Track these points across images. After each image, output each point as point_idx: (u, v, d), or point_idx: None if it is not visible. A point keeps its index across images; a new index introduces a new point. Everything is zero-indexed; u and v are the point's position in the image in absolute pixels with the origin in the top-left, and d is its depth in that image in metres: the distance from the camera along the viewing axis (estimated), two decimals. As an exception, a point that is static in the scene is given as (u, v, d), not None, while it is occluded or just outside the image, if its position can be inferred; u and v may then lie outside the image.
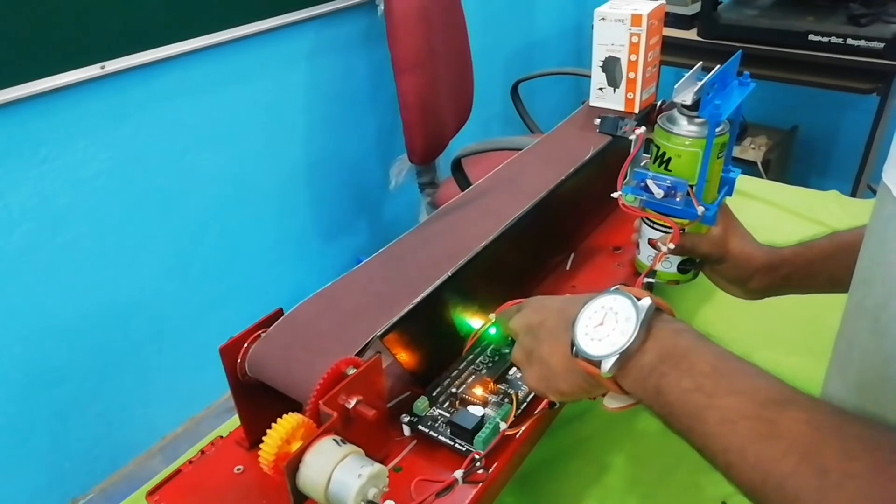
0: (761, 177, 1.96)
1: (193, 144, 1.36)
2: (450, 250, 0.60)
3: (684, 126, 0.63)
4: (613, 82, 0.86)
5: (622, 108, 0.87)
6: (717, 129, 0.61)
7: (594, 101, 0.89)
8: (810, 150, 2.32)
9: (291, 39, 1.49)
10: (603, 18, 0.83)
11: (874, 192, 1.18)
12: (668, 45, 1.94)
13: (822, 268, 0.64)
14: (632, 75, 0.85)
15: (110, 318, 1.30)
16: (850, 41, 1.64)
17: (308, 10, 1.48)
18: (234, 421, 0.58)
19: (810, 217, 1.03)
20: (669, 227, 0.65)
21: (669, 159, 0.64)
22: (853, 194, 1.83)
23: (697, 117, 0.63)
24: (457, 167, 1.46)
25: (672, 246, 0.63)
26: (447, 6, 1.60)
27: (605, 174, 0.69)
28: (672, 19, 1.93)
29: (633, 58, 0.83)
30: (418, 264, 0.60)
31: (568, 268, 0.75)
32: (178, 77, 1.29)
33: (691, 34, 1.89)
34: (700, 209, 0.62)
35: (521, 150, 0.85)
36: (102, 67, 1.16)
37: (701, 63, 0.67)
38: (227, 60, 1.37)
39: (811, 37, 1.69)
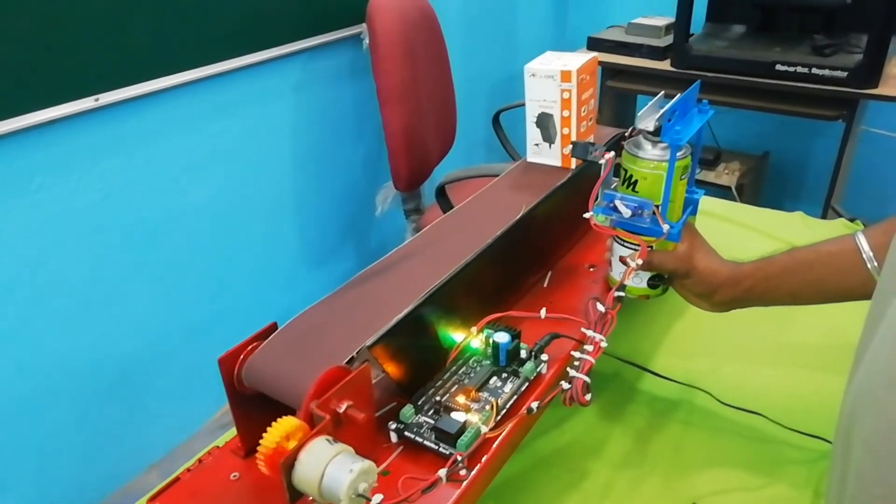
0: (736, 200, 2.02)
1: (184, 174, 1.40)
2: (434, 267, 0.64)
3: (649, 150, 0.68)
4: (548, 138, 0.85)
5: (558, 164, 0.86)
6: (678, 154, 0.66)
7: (531, 157, 0.89)
8: (782, 175, 2.40)
9: (280, 72, 1.55)
10: (533, 74, 0.83)
11: (838, 214, 1.25)
12: (644, 76, 2.04)
13: (782, 282, 0.69)
14: (566, 131, 0.84)
15: (99, 346, 1.32)
16: (815, 70, 1.72)
17: (295, 44, 1.54)
18: (226, 436, 0.61)
19: (776, 236, 1.09)
20: (638, 245, 0.70)
21: (636, 181, 0.69)
22: (823, 216, 1.90)
23: (660, 142, 0.68)
24: (441, 194, 1.51)
25: (640, 262, 0.68)
26: (430, 39, 1.67)
27: (578, 197, 0.74)
28: (647, 51, 2.02)
29: (566, 114, 0.82)
30: (403, 281, 0.64)
31: (545, 285, 0.79)
32: (169, 109, 1.33)
33: (665, 65, 1.97)
34: (665, 227, 0.67)
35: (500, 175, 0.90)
36: (97, 100, 1.20)
37: (663, 92, 0.72)
38: (217, 92, 1.41)
39: (778, 67, 1.77)
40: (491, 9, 2.24)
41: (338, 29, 1.63)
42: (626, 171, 0.70)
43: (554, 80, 0.81)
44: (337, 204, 1.84)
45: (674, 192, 0.68)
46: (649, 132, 0.67)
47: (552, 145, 0.85)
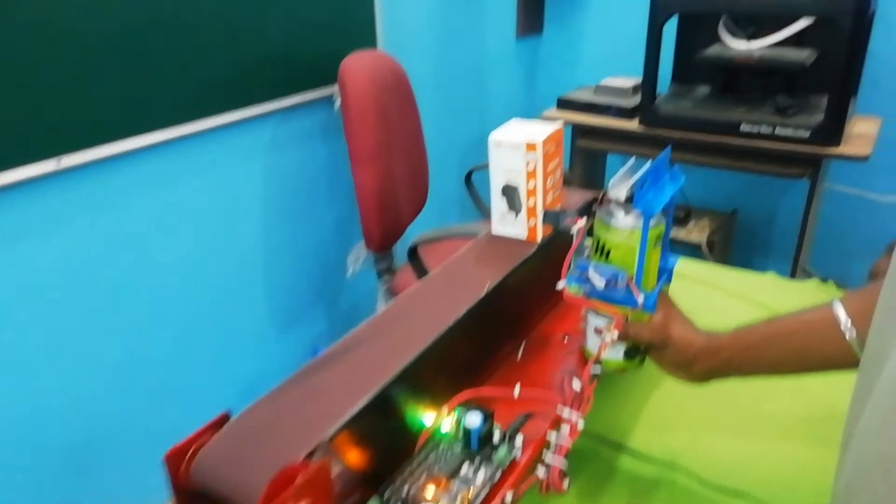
0: (706, 258, 2.03)
1: (147, 238, 1.36)
2: (400, 345, 0.61)
3: (621, 219, 0.67)
4: (514, 208, 0.83)
5: (524, 237, 0.84)
6: (651, 222, 0.65)
7: (496, 229, 0.86)
8: (751, 232, 2.43)
9: (251, 133, 1.53)
10: (498, 144, 0.80)
11: (808, 275, 1.25)
12: (613, 136, 2.07)
13: (761, 352, 0.67)
14: (531, 202, 0.81)
15: (52, 419, 1.25)
16: (778, 130, 1.76)
17: (268, 105, 1.53)
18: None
19: (750, 299, 1.08)
20: (613, 316, 0.68)
21: (609, 251, 0.68)
22: (792, 274, 1.92)
23: (633, 210, 0.66)
24: (413, 255, 1.49)
25: (616, 334, 0.65)
26: (402, 100, 1.67)
27: (549, 264, 0.72)
28: (615, 111, 2.05)
29: (532, 185, 0.80)
30: (367, 360, 0.61)
31: (519, 357, 0.76)
32: (137, 170, 1.30)
33: (634, 124, 2.00)
34: (640, 297, 0.65)
35: (473, 236, 0.88)
36: (59, 162, 1.17)
37: (634, 157, 0.71)
38: (187, 153, 1.39)
39: (743, 126, 1.81)
40: (462, 70, 2.27)
41: (310, 90, 1.63)
42: (598, 239, 0.69)
43: (519, 151, 0.79)
44: (308, 265, 1.80)
45: (648, 260, 0.67)
46: (621, 202, 0.65)
47: (518, 216, 0.83)
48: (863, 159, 1.68)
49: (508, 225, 0.85)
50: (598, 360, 0.66)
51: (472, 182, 1.92)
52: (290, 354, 1.80)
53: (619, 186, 0.66)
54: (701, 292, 1.10)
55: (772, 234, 2.42)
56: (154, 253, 1.37)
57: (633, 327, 0.68)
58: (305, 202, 1.74)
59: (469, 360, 0.71)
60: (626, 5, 2.41)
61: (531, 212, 0.82)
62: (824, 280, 1.12)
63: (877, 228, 2.21)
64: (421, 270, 1.50)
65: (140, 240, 1.34)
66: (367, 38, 1.77)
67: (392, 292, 1.73)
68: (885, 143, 1.92)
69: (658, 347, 0.69)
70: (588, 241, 0.73)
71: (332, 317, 1.94)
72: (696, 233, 2.12)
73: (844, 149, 1.70)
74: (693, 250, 2.05)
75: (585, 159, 2.26)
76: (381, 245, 1.62)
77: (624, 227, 0.66)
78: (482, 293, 0.69)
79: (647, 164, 0.65)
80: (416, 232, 1.47)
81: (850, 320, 0.62)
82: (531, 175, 0.80)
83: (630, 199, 0.65)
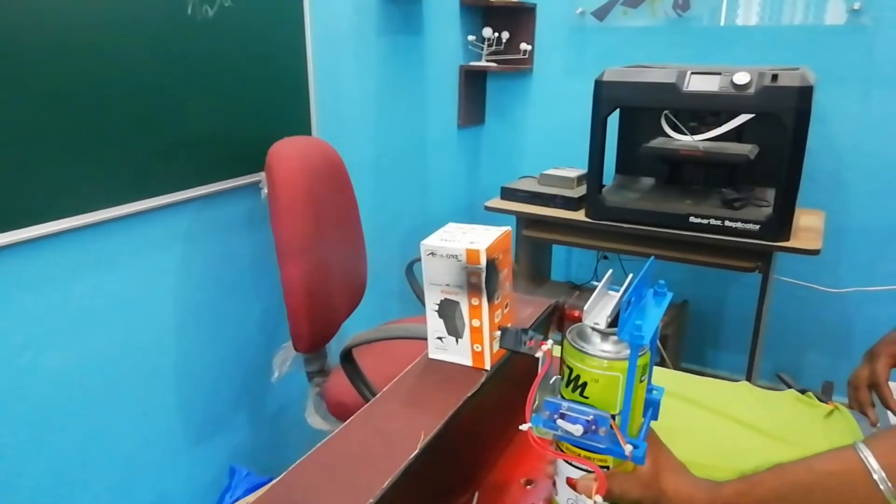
0: (660, 351, 1.94)
1: (32, 342, 1.15)
2: (355, 489, 0.45)
3: (598, 345, 0.54)
4: (455, 332, 0.67)
5: (468, 363, 0.67)
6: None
7: (433, 353, 0.69)
8: (702, 324, 2.37)
9: (162, 222, 1.37)
10: (432, 253, 0.65)
11: (782, 381, 1.15)
12: (560, 226, 1.99)
13: (773, 511, 0.53)
14: (476, 323, 0.65)
15: None
16: (728, 223, 1.72)
17: (184, 192, 1.38)
18: None
19: (726, 414, 0.96)
20: (588, 469, 0.53)
21: (585, 384, 0.54)
22: (749, 370, 1.84)
23: (612, 334, 0.54)
24: (347, 358, 1.32)
25: (599, 499, 0.51)
26: (336, 188, 1.55)
27: (504, 391, 0.57)
28: (561, 201, 1.98)
29: (475, 302, 0.64)
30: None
31: (473, 515, 0.60)
32: (20, 266, 1.11)
33: (580, 215, 1.94)
34: (628, 448, 0.51)
35: (412, 337, 0.72)
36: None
37: (610, 272, 0.59)
38: (83, 247, 1.21)
39: (692, 219, 1.76)
40: (403, 157, 2.19)
41: (233, 177, 1.49)
42: (570, 369, 0.55)
43: (458, 262, 0.64)
44: (227, 368, 1.60)
45: (634, 397, 0.53)
46: (603, 330, 0.52)
47: (459, 340, 0.67)
48: (814, 253, 1.64)
49: (449, 351, 0.68)
50: (577, 531, 0.51)
51: (413, 273, 1.80)
52: (204, 472, 1.57)
53: (595, 311, 0.53)
54: (674, 407, 0.97)
55: (722, 324, 2.36)
56: (37, 360, 1.16)
57: (616, 481, 0.54)
58: (227, 298, 1.56)
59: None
60: (565, 99, 2.41)
61: (475, 333, 0.65)
62: (803, 392, 1.01)
63: (825, 320, 2.18)
64: (355, 375, 1.34)
65: (20, 346, 1.13)
66: (300, 123, 1.66)
67: (323, 396, 1.55)
68: (829, 236, 1.91)
69: (648, 505, 0.55)
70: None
71: (255, 424, 1.72)
72: (647, 327, 2.02)
73: (795, 242, 1.67)
74: (646, 346, 1.96)
75: (531, 249, 2.17)
76: (311, 346, 1.45)
77: (603, 356, 0.53)
78: (415, 450, 0.53)
79: (628, 281, 0.53)
80: (352, 328, 1.32)
81: (884, 472, 0.50)
82: (475, 291, 0.64)
83: (612, 324, 0.52)
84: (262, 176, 1.50)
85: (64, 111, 1.12)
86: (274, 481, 0.51)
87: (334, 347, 1.53)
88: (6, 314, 1.11)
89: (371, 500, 0.47)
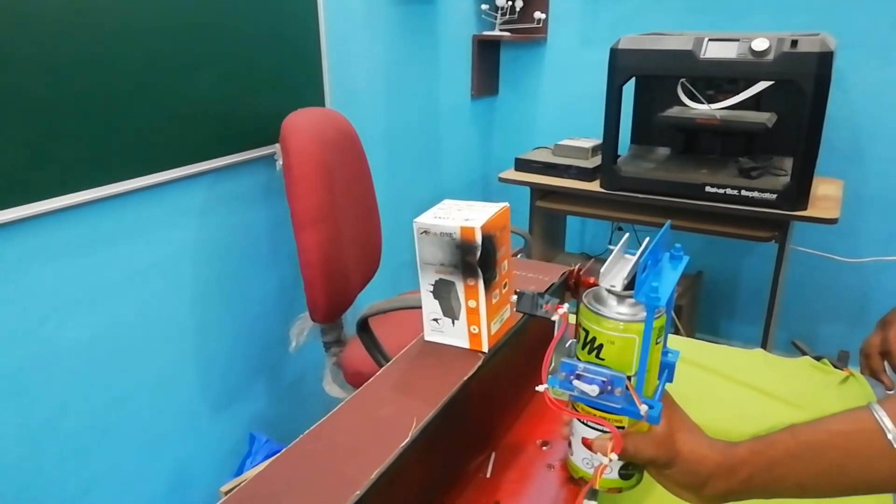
0: (675, 321, 1.94)
1: (55, 312, 1.18)
2: (340, 481, 0.46)
3: (614, 308, 0.54)
4: (450, 312, 0.65)
5: (465, 346, 0.66)
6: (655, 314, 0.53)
7: (429, 335, 0.68)
8: (716, 295, 2.36)
9: (180, 194, 1.38)
10: (425, 232, 0.62)
11: (797, 348, 1.15)
12: (574, 197, 1.98)
13: (787, 471, 0.54)
14: (472, 304, 0.63)
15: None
16: (744, 192, 1.70)
17: (200, 165, 1.39)
18: None
19: (743, 381, 0.96)
20: (605, 428, 0.54)
21: (601, 346, 0.55)
22: (764, 340, 1.83)
23: (628, 296, 0.54)
24: (363, 327, 1.34)
25: (615, 457, 0.52)
26: (350, 159, 1.55)
27: (523, 352, 0.58)
28: (575, 172, 1.97)
29: (472, 282, 0.62)
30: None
31: (489, 475, 0.62)
32: (40, 238, 1.13)
33: (594, 185, 1.93)
34: (643, 408, 0.52)
35: None
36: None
37: (627, 236, 0.59)
38: (101, 219, 1.22)
39: (708, 188, 1.74)
40: (416, 129, 2.18)
41: (248, 149, 1.49)
42: (587, 331, 0.56)
43: (453, 240, 0.61)
44: (246, 338, 1.63)
45: (649, 359, 0.54)
46: (618, 292, 0.53)
47: (456, 321, 0.65)
48: (832, 222, 1.62)
49: (445, 333, 0.66)
50: (593, 488, 0.52)
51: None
52: (224, 439, 1.60)
53: (612, 273, 0.53)
54: (688, 374, 0.98)
55: (737, 295, 2.36)
56: (60, 330, 1.19)
57: (631, 441, 0.55)
58: (244, 270, 1.58)
59: (428, 484, 0.56)
60: (580, 68, 2.38)
61: (472, 315, 0.64)
62: (818, 359, 1.01)
63: (841, 290, 2.17)
64: (372, 344, 1.35)
65: (43, 315, 1.16)
66: (314, 96, 1.66)
67: (340, 366, 1.57)
68: (847, 205, 1.88)
69: (662, 465, 0.56)
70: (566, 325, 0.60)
71: (273, 393, 1.75)
72: (661, 297, 2.02)
73: (813, 211, 1.65)
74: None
75: (546, 220, 2.17)
76: (328, 316, 1.47)
77: (619, 318, 0.53)
78: (407, 438, 0.52)
79: (644, 244, 0.53)
80: (367, 300, 1.33)
81: (900, 431, 0.50)
82: (470, 271, 0.62)
83: (631, 284, 0.52)
84: (276, 148, 1.51)
85: (78, 85, 1.12)
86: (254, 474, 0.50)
87: (350, 318, 1.55)
88: (28, 285, 1.13)
89: (380, 469, 0.48)
